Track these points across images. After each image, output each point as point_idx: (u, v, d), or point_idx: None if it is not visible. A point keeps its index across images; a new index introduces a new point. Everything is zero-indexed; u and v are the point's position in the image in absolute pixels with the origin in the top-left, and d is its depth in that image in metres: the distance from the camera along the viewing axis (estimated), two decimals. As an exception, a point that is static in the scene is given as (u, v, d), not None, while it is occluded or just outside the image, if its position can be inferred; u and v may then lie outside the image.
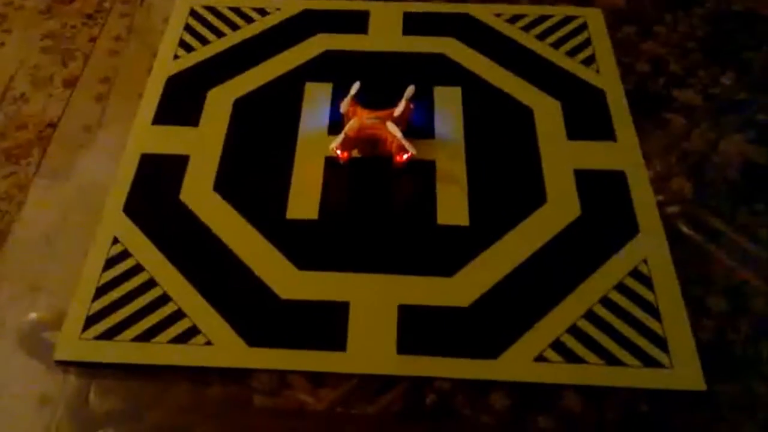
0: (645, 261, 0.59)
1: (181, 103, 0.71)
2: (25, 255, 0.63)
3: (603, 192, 0.64)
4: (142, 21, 0.84)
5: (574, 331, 0.55)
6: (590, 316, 0.56)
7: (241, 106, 0.71)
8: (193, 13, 0.80)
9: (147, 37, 0.81)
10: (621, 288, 0.58)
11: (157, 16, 0.83)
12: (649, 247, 0.60)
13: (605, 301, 0.57)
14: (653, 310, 0.56)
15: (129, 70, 0.78)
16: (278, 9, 0.80)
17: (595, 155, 0.67)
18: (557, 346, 0.55)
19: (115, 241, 0.61)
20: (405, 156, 0.65)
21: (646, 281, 0.58)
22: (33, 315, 0.59)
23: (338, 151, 0.65)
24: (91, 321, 0.56)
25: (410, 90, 0.67)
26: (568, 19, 0.78)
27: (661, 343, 0.55)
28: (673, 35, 0.79)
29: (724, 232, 0.63)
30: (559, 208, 0.63)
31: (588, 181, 0.64)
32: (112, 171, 0.67)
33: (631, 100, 0.72)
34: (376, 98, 0.67)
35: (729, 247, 0.62)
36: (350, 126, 0.65)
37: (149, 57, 0.77)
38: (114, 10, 0.89)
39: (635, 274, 0.59)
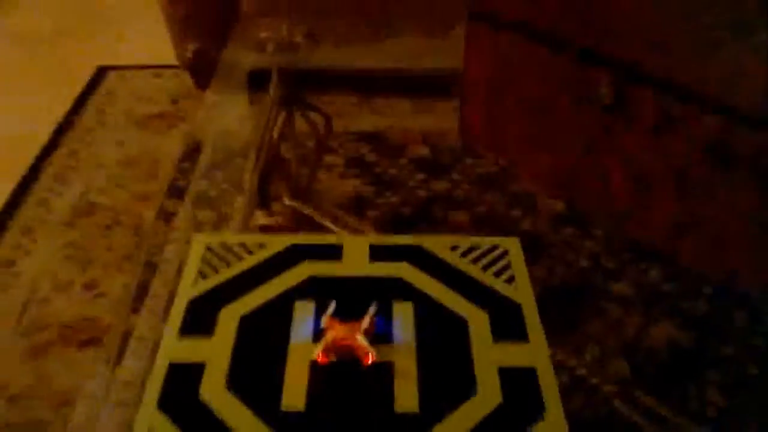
0: (548, 438, 0.80)
1: (199, 319, 0.93)
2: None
3: (519, 384, 0.85)
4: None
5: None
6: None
7: (246, 320, 0.93)
8: (209, 249, 1.04)
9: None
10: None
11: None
12: (552, 428, 0.80)
13: (520, 469, 0.77)
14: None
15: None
16: (265, 244, 1.05)
17: (513, 355, 0.89)
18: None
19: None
20: (371, 359, 0.86)
21: (550, 453, 0.78)
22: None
23: (320, 357, 0.86)
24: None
25: (373, 308, 0.90)
26: (493, 248, 1.04)
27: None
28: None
29: (657, 409, 0.78)
30: (486, 398, 0.84)
31: (508, 376, 0.86)
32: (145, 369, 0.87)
33: (572, 293, 0.91)
34: (349, 312, 0.90)
35: (662, 422, 0.77)
36: (328, 337, 0.87)
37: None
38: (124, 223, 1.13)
39: (542, 448, 0.79)
